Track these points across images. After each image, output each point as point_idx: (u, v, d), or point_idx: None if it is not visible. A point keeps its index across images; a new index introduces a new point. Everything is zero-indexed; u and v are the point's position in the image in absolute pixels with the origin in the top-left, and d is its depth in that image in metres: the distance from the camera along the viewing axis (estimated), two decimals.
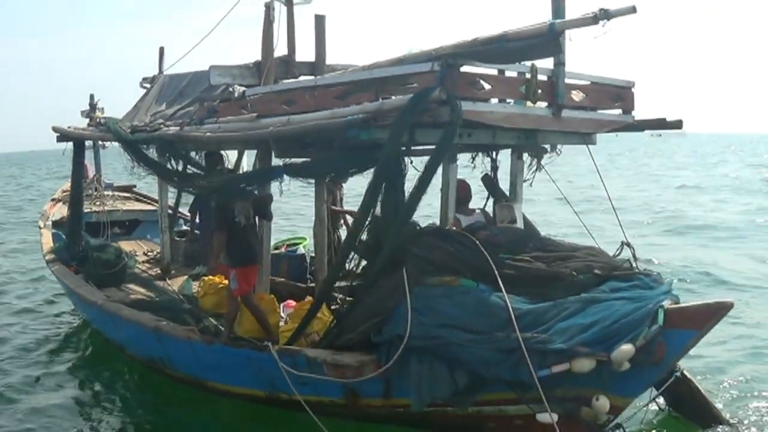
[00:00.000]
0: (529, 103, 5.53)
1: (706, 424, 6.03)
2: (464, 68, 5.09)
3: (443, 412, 5.43)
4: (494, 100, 5.56)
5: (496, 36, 4.71)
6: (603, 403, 4.88)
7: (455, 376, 4.97)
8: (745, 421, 6.18)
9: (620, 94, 6.28)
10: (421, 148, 6.22)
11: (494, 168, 6.87)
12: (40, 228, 11.47)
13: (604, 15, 4.22)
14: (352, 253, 5.76)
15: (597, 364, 4.73)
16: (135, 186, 14.00)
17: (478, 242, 5.26)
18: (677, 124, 6.55)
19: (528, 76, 5.43)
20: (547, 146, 6.73)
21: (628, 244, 6.30)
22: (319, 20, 8.10)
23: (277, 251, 9.61)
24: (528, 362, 4.70)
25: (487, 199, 6.90)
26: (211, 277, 7.72)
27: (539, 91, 5.44)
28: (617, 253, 6.21)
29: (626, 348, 4.64)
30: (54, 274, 9.72)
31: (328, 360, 5.40)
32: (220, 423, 6.59)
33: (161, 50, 10.63)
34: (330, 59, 8.28)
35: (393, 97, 5.24)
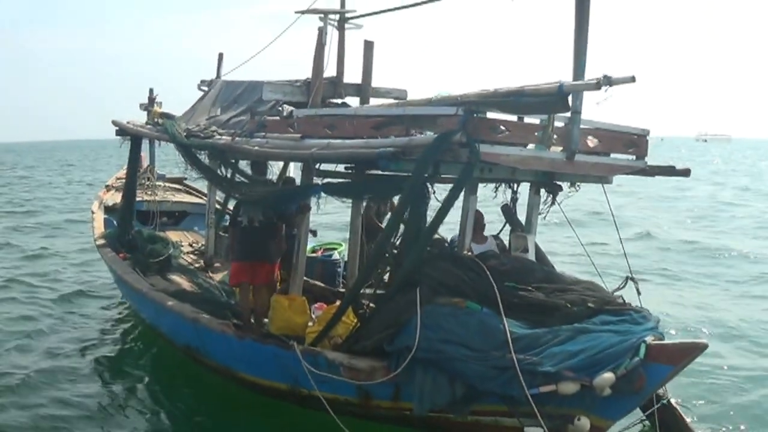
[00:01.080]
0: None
1: None
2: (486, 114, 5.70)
3: (445, 418, 6.04)
4: None
5: (514, 90, 5.32)
6: (584, 423, 5.43)
7: (454, 387, 5.59)
8: None
9: (634, 141, 6.79)
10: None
11: (514, 199, 7.41)
12: (92, 213, 12.32)
13: (607, 81, 4.80)
14: (376, 266, 6.43)
15: (581, 388, 5.30)
16: (186, 179, 14.80)
17: (487, 270, 5.87)
18: (685, 173, 7.05)
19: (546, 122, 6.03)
20: (564, 183, 7.31)
21: (633, 279, 6.87)
22: (368, 46, 8.72)
23: (313, 254, 10.33)
24: (520, 380, 5.30)
25: (503, 226, 7.47)
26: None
27: (555, 137, 5.99)
28: (621, 286, 6.78)
29: (608, 376, 5.20)
30: (103, 259, 10.53)
31: (345, 363, 6.07)
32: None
33: (220, 56, 11.41)
34: (375, 81, 8.98)
35: (420, 135, 5.86)
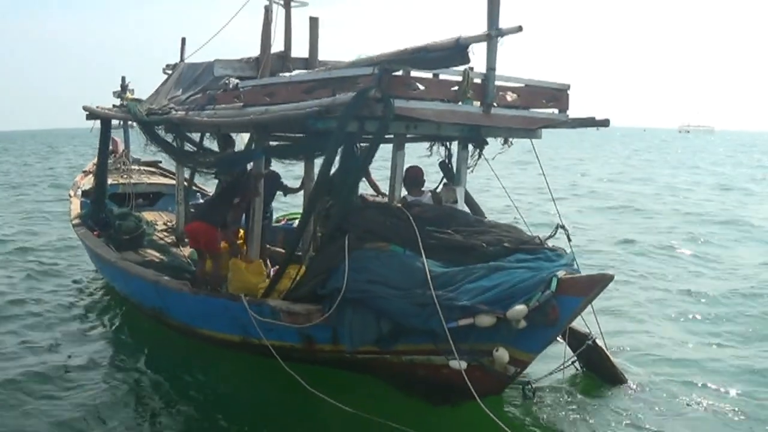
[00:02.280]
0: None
1: (612, 384, 7.03)
2: (401, 72, 6.15)
3: (383, 359, 6.55)
4: None
5: (420, 46, 5.77)
6: (502, 353, 5.90)
7: (380, 324, 6.08)
8: (644, 385, 7.16)
9: (555, 96, 7.23)
10: (389, 136, 7.32)
11: (449, 156, 7.87)
12: (70, 197, 12.82)
13: (498, 32, 5.25)
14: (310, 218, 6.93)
15: (497, 321, 5.77)
16: (161, 162, 15.27)
17: (410, 216, 6.34)
18: (605, 123, 7.51)
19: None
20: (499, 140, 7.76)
21: (563, 227, 7.34)
22: (313, 22, 9.17)
23: (277, 224, 10.91)
24: (440, 314, 5.77)
25: (441, 181, 7.94)
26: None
27: (471, 92, 6.43)
28: (552, 234, 7.26)
29: (520, 308, 5.66)
30: (78, 237, 11.03)
31: (284, 308, 6.58)
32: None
33: (183, 40, 11.86)
34: (322, 55, 9.42)
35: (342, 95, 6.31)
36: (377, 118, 6.06)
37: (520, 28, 5.24)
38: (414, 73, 6.29)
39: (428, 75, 6.36)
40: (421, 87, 6.22)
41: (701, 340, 8.78)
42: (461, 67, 6.26)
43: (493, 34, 5.26)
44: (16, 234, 16.51)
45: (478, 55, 6.10)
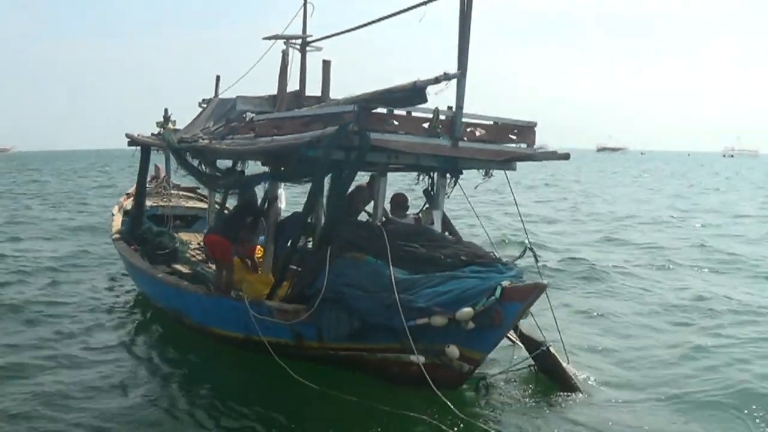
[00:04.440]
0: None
1: (562, 387, 7.90)
2: (382, 109, 7.34)
3: (360, 356, 7.63)
4: None
5: (388, 88, 6.97)
6: (452, 350, 6.93)
7: (352, 321, 7.19)
8: (591, 388, 8.05)
9: (521, 131, 8.30)
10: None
11: (431, 184, 8.96)
12: (113, 214, 14.30)
13: (445, 77, 6.42)
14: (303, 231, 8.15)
15: (448, 322, 6.81)
16: (198, 188, 16.73)
17: (384, 232, 7.46)
18: (565, 156, 8.50)
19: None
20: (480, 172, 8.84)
21: (531, 249, 8.38)
22: (326, 64, 10.46)
23: None
24: (400, 313, 6.84)
25: (423, 206, 9.04)
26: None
27: (440, 127, 7.56)
28: (521, 254, 8.30)
29: (467, 310, 6.71)
30: (117, 249, 12.42)
31: (277, 307, 7.76)
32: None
33: (217, 78, 13.35)
34: (333, 93, 10.67)
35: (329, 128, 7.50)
36: (356, 148, 7.23)
37: (462, 75, 6.39)
38: (398, 112, 7.49)
39: (402, 112, 7.52)
40: (396, 122, 7.40)
41: None
42: (432, 105, 7.43)
43: (440, 78, 6.42)
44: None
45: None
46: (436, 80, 6.51)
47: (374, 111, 7.32)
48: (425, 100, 6.96)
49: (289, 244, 8.51)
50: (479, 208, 11.65)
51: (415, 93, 6.73)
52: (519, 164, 8.54)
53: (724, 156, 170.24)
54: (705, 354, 9.33)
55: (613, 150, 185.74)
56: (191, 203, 15.85)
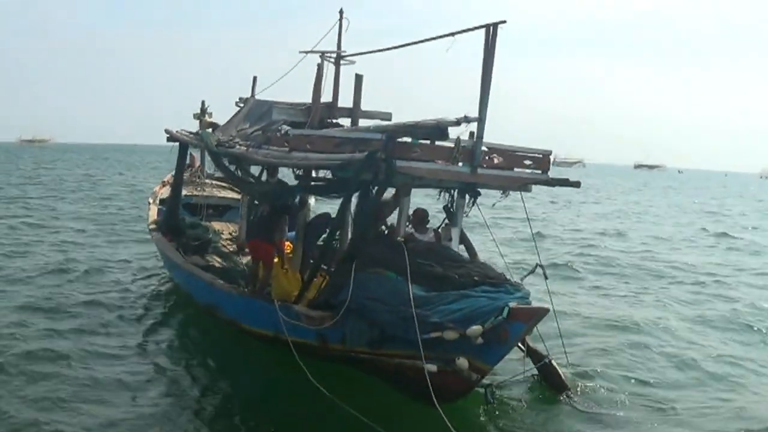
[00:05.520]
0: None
1: (563, 393, 8.64)
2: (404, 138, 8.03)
3: (379, 360, 8.35)
4: None
5: (414, 123, 7.66)
6: (462, 361, 7.61)
7: (372, 331, 7.93)
8: (585, 398, 8.75)
9: (536, 160, 8.92)
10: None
11: (451, 201, 9.60)
12: (149, 203, 15.11)
13: (465, 120, 7.09)
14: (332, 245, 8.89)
15: (460, 336, 7.52)
16: None
17: (405, 250, 8.16)
18: (576, 184, 9.13)
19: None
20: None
21: (541, 266, 9.05)
22: (358, 78, 11.09)
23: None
24: (416, 327, 7.55)
25: (443, 221, 9.72)
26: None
27: (461, 155, 8.22)
28: (531, 271, 8.99)
29: (476, 328, 7.39)
30: (153, 241, 13.24)
31: (305, 313, 8.51)
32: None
33: (254, 79, 13.97)
34: (364, 105, 11.33)
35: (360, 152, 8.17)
36: (383, 172, 7.92)
37: (481, 119, 7.13)
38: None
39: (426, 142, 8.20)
40: (419, 151, 8.08)
41: None
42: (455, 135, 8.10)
43: (461, 121, 7.11)
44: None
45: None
46: (458, 122, 7.18)
47: (400, 141, 7.99)
48: (446, 138, 7.61)
49: (318, 252, 9.23)
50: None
51: (437, 131, 7.42)
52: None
53: (761, 178, 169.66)
54: None
55: (651, 167, 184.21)
56: (224, 193, 16.57)
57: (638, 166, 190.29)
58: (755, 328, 12.54)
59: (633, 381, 9.57)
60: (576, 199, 44.07)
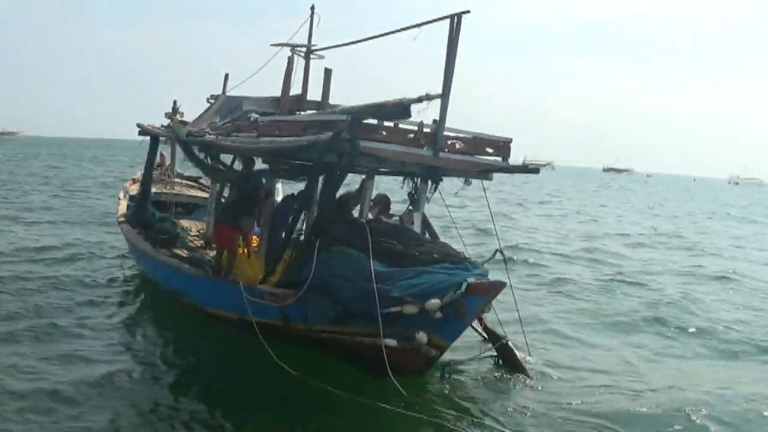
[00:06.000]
0: None
1: (519, 372, 8.87)
2: (370, 121, 8.25)
3: (341, 339, 8.49)
4: None
5: (378, 103, 7.88)
6: (422, 336, 7.80)
7: (335, 306, 8.09)
8: (543, 379, 8.98)
9: (498, 146, 9.21)
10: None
11: (414, 188, 9.85)
12: (119, 198, 15.18)
13: (426, 97, 7.34)
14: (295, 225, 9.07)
15: (419, 311, 7.72)
16: (200, 178, 17.59)
17: (367, 229, 8.36)
18: (535, 170, 9.45)
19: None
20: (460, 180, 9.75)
21: (501, 251, 9.30)
22: (327, 72, 11.40)
23: None
24: (377, 302, 7.74)
25: (407, 207, 9.95)
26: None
27: (423, 139, 8.47)
28: (492, 256, 9.23)
29: (435, 301, 7.60)
30: (122, 232, 13.31)
31: (268, 290, 8.65)
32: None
33: (226, 76, 14.19)
34: (333, 99, 11.59)
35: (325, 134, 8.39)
36: (347, 153, 8.14)
37: (439, 96, 7.41)
38: (387, 123, 8.41)
39: (390, 124, 8.43)
40: (384, 133, 8.31)
41: None
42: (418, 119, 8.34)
43: (423, 98, 7.35)
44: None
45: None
46: (419, 99, 7.43)
47: (365, 122, 8.22)
48: (409, 116, 7.84)
49: (283, 235, 9.39)
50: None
51: (400, 110, 7.64)
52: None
53: (729, 183, 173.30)
54: None
55: (619, 171, 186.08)
56: (193, 192, 16.71)
57: (607, 170, 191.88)
58: None
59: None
60: (531, 199, 45.07)
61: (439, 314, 7.69)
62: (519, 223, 29.17)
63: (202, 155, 11.04)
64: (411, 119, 8.20)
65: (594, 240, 24.68)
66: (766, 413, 8.24)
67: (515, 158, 9.59)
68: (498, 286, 7.72)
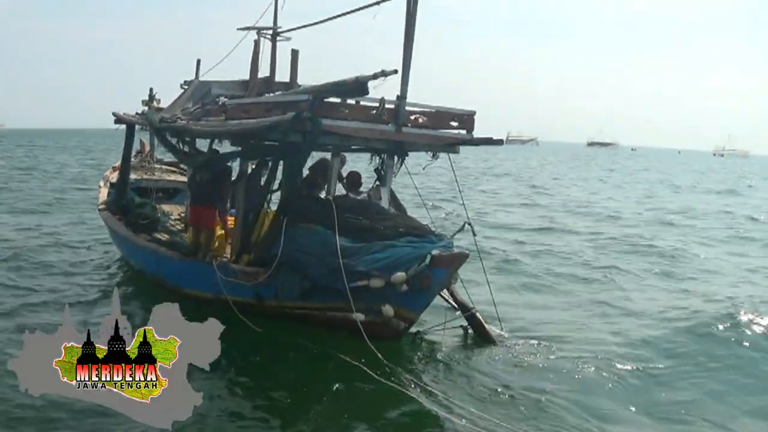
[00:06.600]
0: None
1: (486, 341, 9.11)
2: (332, 99, 8.41)
3: (313, 314, 8.72)
4: None
5: (337, 81, 8.03)
6: (387, 309, 8.05)
7: (303, 282, 8.31)
8: (510, 348, 9.21)
9: (462, 119, 9.36)
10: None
11: (382, 164, 10.02)
12: (100, 187, 15.32)
13: (382, 74, 7.49)
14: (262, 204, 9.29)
15: (385, 284, 7.94)
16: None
17: (333, 206, 8.55)
18: (499, 142, 9.61)
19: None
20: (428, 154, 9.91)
21: (470, 224, 9.48)
22: (294, 53, 11.55)
23: None
24: (343, 276, 7.95)
25: (374, 183, 10.13)
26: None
27: (386, 114, 8.62)
28: (460, 228, 9.41)
29: (400, 274, 7.85)
30: (102, 219, 13.47)
31: (240, 269, 8.86)
32: None
33: (198, 62, 14.30)
34: (301, 80, 11.73)
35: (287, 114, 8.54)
36: (309, 132, 8.30)
37: (395, 71, 7.55)
38: (349, 101, 8.56)
39: (353, 101, 8.59)
40: (346, 110, 8.47)
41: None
42: (379, 95, 8.49)
43: (378, 75, 7.51)
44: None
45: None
46: (375, 76, 7.58)
47: (328, 100, 8.37)
48: (367, 93, 7.98)
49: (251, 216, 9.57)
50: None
51: (357, 87, 7.80)
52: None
53: (714, 155, 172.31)
54: None
55: (603, 145, 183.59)
56: (173, 177, 16.81)
57: (591, 144, 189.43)
58: None
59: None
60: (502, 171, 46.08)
61: (405, 287, 7.92)
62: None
63: (174, 140, 11.16)
64: (373, 95, 8.37)
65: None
66: None
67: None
68: (460, 257, 7.94)
